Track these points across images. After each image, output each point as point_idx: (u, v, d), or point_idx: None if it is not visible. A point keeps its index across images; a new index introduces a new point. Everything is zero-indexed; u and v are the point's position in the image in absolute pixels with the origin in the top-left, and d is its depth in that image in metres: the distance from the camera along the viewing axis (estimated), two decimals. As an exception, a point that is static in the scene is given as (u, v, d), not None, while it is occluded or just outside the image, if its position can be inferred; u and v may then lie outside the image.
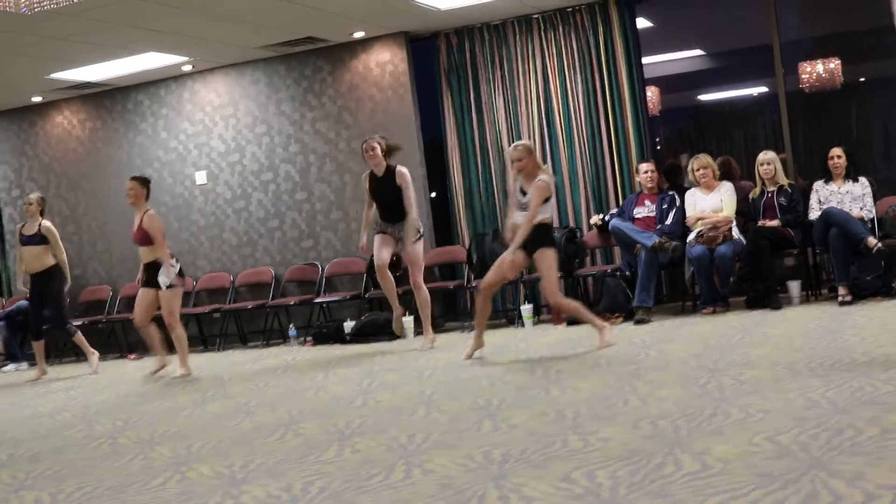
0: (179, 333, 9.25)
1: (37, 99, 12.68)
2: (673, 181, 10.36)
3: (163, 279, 9.12)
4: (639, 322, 9.09)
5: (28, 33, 9.30)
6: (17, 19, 8.38)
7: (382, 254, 9.16)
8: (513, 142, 11.01)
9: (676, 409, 5.03)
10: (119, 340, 12.27)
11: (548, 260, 7.83)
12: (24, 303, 12.08)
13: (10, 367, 11.98)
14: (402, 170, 9.11)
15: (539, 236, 7.77)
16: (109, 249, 12.74)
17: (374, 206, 9.28)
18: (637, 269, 9.42)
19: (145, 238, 9.16)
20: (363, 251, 9.65)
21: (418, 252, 9.17)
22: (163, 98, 12.38)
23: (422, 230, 9.32)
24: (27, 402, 8.72)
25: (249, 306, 11.47)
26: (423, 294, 9.24)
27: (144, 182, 9.36)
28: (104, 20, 9.19)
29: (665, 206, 9.69)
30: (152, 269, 9.20)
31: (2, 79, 11.24)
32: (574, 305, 8.27)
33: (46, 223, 10.47)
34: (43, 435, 6.74)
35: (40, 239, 10.35)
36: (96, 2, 7.68)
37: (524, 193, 7.81)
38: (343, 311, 11.30)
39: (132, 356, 11.60)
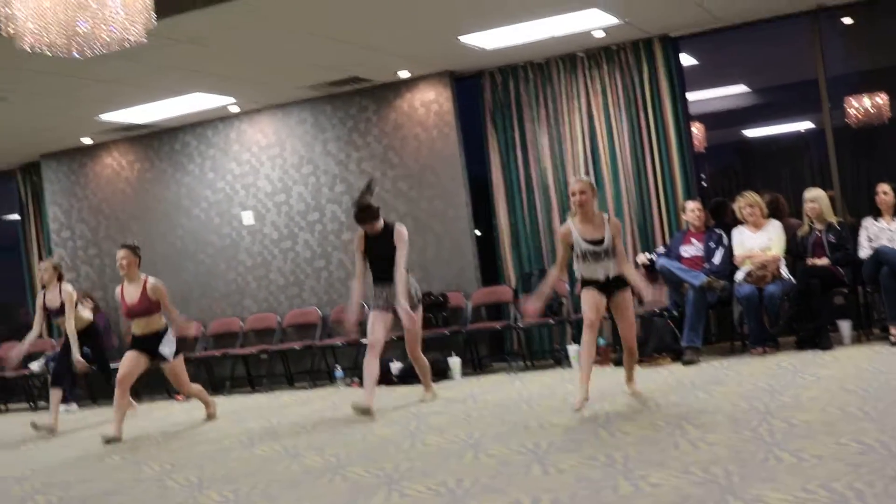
0: (204, 394, 9.33)
1: (86, 140, 12.83)
2: (719, 219, 10.27)
3: (168, 349, 8.73)
4: (687, 363, 9.01)
5: (78, 76, 9.43)
6: (68, 63, 8.47)
7: (377, 331, 8.28)
8: (559, 179, 11.01)
9: (728, 453, 4.97)
10: (167, 382, 12.30)
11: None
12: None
13: (61, 408, 12.03)
14: (401, 228, 8.41)
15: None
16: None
17: (367, 271, 8.40)
18: (685, 308, 9.34)
19: (150, 307, 8.69)
20: (352, 327, 8.88)
21: (414, 317, 8.28)
22: (210, 139, 12.49)
23: (418, 294, 8.56)
24: (76, 443, 8.78)
25: (296, 347, 11.48)
26: (422, 363, 8.72)
27: (136, 250, 8.96)
28: (152, 63, 9.30)
29: (712, 244, 9.61)
30: (149, 340, 8.73)
31: (53, 121, 11.39)
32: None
33: (68, 289, 9.93)
34: (91, 478, 6.78)
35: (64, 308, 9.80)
36: (145, 45, 7.75)
37: (593, 243, 7.15)
38: (389, 351, 11.25)
39: (179, 397, 11.64)
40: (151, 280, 8.81)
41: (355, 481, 5.53)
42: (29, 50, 7.05)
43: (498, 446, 6.04)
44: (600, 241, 7.11)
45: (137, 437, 8.68)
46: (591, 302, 7.16)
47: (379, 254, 8.29)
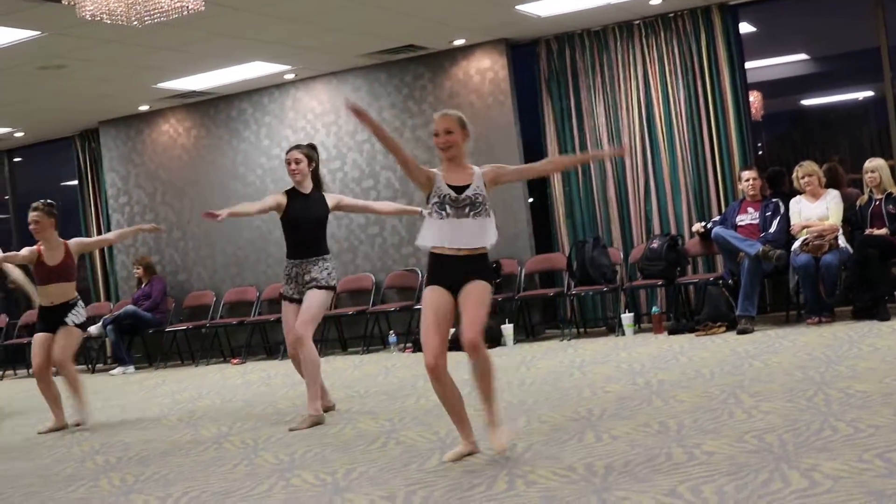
0: (76, 374, 7.91)
1: (144, 108, 12.94)
2: (776, 188, 10.19)
3: (76, 317, 7.91)
4: (742, 332, 8.96)
5: (137, 44, 9.51)
6: (127, 31, 8.56)
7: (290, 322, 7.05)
8: (613, 147, 10.96)
9: (783, 422, 4.95)
10: (222, 345, 12.46)
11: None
12: (130, 307, 12.37)
13: (118, 370, 12.25)
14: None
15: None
16: (213, 255, 12.95)
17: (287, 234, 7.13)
18: (740, 277, 9.28)
19: (72, 271, 7.95)
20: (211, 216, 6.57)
21: (314, 302, 6.95)
22: (266, 106, 12.55)
23: (334, 278, 7.13)
24: (134, 405, 8.91)
25: (350, 312, 11.56)
26: (310, 355, 6.94)
27: (51, 210, 7.94)
28: (211, 31, 9.35)
29: (769, 213, 9.53)
30: (59, 311, 7.87)
31: (112, 88, 11.50)
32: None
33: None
34: (150, 439, 6.88)
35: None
36: (204, 13, 7.80)
37: (458, 189, 5.29)
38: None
39: (235, 360, 11.77)
40: (73, 242, 8.07)
41: (409, 445, 5.58)
42: (89, 18, 7.15)
43: (551, 412, 6.06)
44: (466, 187, 5.26)
45: (194, 398, 8.79)
46: (430, 319, 5.17)
47: (304, 219, 7.08)
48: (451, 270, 5.24)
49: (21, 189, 15.02)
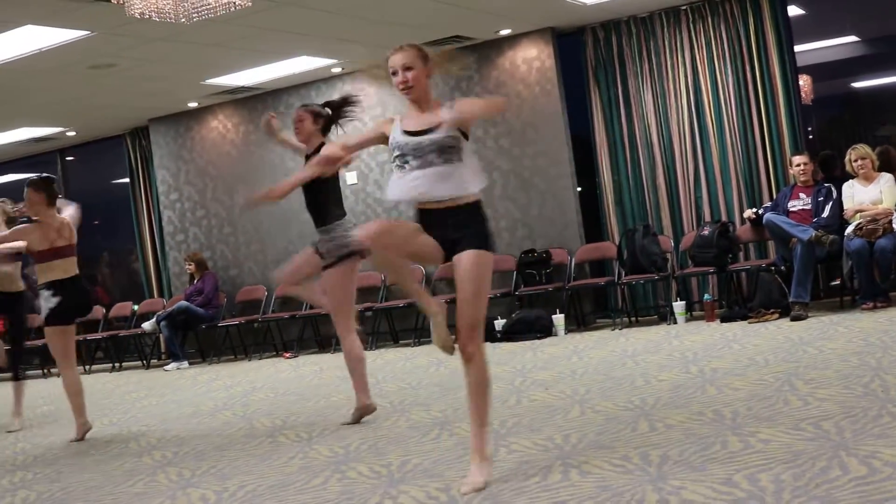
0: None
1: (192, 104, 13.04)
2: (828, 173, 10.09)
3: (47, 303, 7.25)
4: (795, 318, 8.87)
5: (185, 41, 9.58)
6: (175, 28, 8.63)
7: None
8: (662, 135, 10.90)
9: (839, 409, 4.90)
10: (274, 339, 12.53)
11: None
12: (183, 303, 12.48)
13: (172, 365, 12.35)
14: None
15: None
16: (264, 250, 13.02)
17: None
18: (792, 263, 9.20)
19: (73, 246, 7.37)
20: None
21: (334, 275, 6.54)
22: (313, 100, 12.58)
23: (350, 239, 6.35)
24: (189, 400, 8.98)
25: (401, 304, 11.59)
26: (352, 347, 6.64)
27: (43, 185, 7.27)
28: (258, 26, 9.40)
29: (821, 198, 9.44)
30: (76, 285, 7.32)
31: (161, 86, 11.59)
32: None
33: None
34: (205, 433, 6.94)
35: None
36: (250, 9, 7.85)
37: (416, 134, 4.57)
38: (493, 308, 11.30)
39: (287, 354, 11.83)
40: (69, 215, 7.49)
41: (462, 437, 5.58)
42: (138, 16, 7.21)
43: (604, 402, 6.05)
44: (428, 131, 4.53)
45: (248, 393, 8.86)
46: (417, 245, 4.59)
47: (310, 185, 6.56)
48: (436, 224, 4.54)
49: (73, 188, 15.18)
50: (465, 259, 4.50)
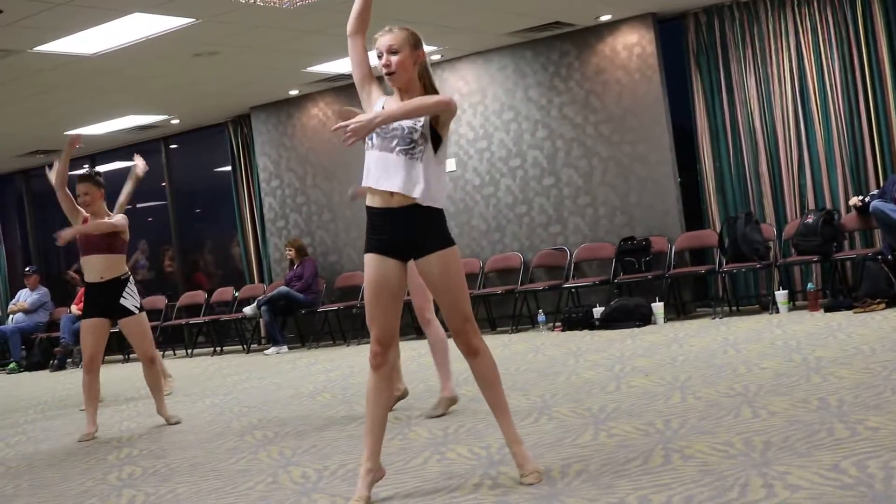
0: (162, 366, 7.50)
1: (293, 92, 13.17)
2: (939, 159, 9.85)
3: (132, 301, 7.26)
4: (903, 308, 8.70)
5: (287, 28, 9.67)
6: (279, 15, 8.73)
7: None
8: (766, 121, 10.73)
9: (950, 398, 4.79)
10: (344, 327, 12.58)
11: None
12: (283, 288, 12.63)
13: (272, 350, 12.51)
14: None
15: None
16: (362, 236, 13.03)
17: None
18: (900, 252, 9.01)
19: (115, 242, 7.21)
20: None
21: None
22: (412, 88, 12.61)
23: None
24: (289, 383, 9.09)
25: (499, 291, 11.58)
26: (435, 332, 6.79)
27: (99, 182, 7.29)
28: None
29: (931, 185, 9.22)
30: (111, 289, 7.18)
31: (263, 74, 11.73)
32: None
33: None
34: (305, 415, 7.02)
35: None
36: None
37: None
38: (592, 296, 11.27)
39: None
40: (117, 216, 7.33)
41: (561, 421, 5.57)
42: (243, 2, 7.30)
43: (706, 388, 5.98)
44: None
45: (347, 376, 8.93)
46: (371, 293, 4.48)
47: None
48: (386, 229, 4.36)
49: (176, 175, 15.45)
50: (434, 263, 4.35)
